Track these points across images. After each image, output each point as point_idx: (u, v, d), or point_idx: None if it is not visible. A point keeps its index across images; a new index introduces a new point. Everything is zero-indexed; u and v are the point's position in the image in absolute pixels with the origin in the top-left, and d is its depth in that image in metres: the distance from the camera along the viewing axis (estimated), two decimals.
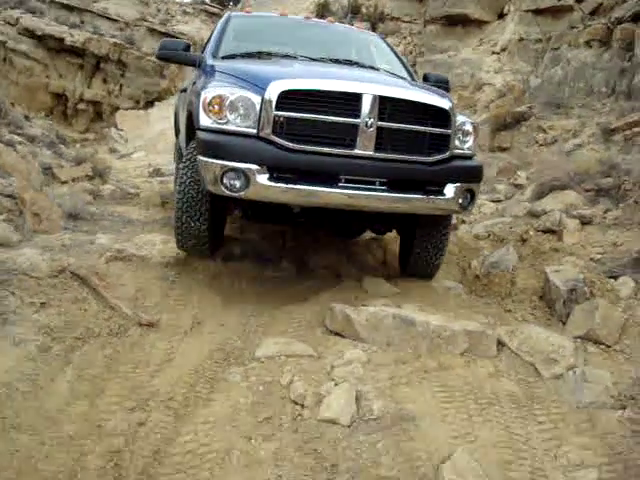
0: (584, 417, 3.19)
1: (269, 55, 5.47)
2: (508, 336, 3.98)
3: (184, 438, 3.21)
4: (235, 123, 4.20)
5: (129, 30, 19.47)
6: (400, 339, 4.05)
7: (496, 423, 3.19)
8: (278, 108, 4.10)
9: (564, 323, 4.22)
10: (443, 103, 4.48)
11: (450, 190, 4.45)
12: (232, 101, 4.18)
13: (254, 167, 4.08)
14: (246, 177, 4.09)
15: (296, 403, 3.47)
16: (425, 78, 5.89)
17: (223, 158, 4.13)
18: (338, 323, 4.28)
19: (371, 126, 4.15)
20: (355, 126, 4.17)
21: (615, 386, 3.40)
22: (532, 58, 12.00)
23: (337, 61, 5.56)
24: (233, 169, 4.10)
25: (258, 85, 4.22)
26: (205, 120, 4.27)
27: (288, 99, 4.11)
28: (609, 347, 3.89)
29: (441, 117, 4.43)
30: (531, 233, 6.00)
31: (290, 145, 4.11)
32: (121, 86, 17.96)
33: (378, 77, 5.12)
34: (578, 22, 10.48)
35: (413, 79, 5.84)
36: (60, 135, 11.47)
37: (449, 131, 4.46)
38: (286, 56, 5.46)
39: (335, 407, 3.32)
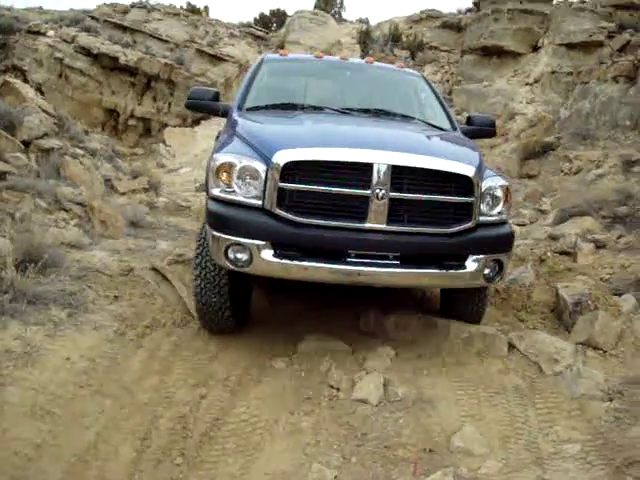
0: (576, 406, 3.77)
1: (294, 107, 5.21)
2: (518, 339, 4.57)
3: (239, 410, 3.86)
4: (241, 193, 3.99)
5: (178, 51, 20.49)
6: (424, 338, 4.66)
7: (501, 407, 3.79)
8: (283, 179, 3.86)
9: (569, 332, 4.78)
10: (465, 169, 4.06)
11: (472, 263, 4.10)
12: (239, 170, 3.99)
13: (258, 242, 3.89)
14: (250, 252, 3.90)
15: (332, 387, 4.09)
16: (469, 120, 5.56)
17: (227, 232, 3.96)
18: (370, 325, 4.91)
19: (383, 197, 3.85)
20: (365, 197, 3.87)
21: (606, 383, 3.97)
22: (563, 90, 12.56)
23: (367, 111, 5.30)
24: (237, 244, 3.93)
25: (264, 153, 4.00)
26: (214, 189, 4.10)
27: (294, 170, 3.88)
28: (605, 352, 4.45)
29: (463, 184, 4.05)
30: (549, 254, 6.55)
31: (295, 219, 3.88)
32: (170, 104, 18.92)
33: (398, 137, 4.64)
34: (607, 58, 11.06)
35: (453, 125, 5.43)
36: (115, 149, 12.33)
37: (472, 199, 4.07)
38: (312, 108, 5.21)
39: (366, 390, 3.94)
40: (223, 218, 4.02)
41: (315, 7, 34.44)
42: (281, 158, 3.86)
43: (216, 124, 19.95)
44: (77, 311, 4.68)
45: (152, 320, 4.87)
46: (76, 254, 5.88)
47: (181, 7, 26.48)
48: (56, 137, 8.91)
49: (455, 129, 5.36)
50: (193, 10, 27.96)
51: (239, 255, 3.95)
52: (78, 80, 19.24)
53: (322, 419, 3.76)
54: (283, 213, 3.89)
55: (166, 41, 20.71)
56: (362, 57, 17.16)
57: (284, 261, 3.90)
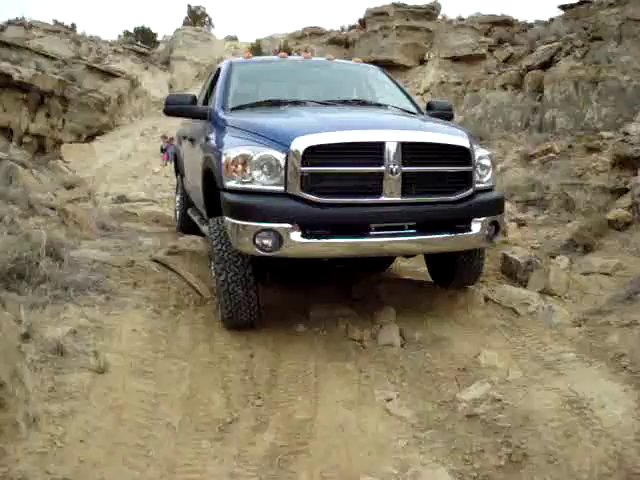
0: (555, 332, 4.81)
1: (278, 103, 5.47)
2: (490, 293, 5.58)
3: (286, 362, 4.49)
4: (260, 181, 4.22)
5: (67, 67, 20.28)
6: (414, 299, 5.56)
7: (500, 338, 4.76)
8: (304, 164, 4.13)
9: (525, 286, 5.86)
10: (463, 141, 4.59)
11: (476, 225, 4.58)
12: (256, 160, 4.20)
13: (287, 226, 4.10)
14: (279, 236, 4.10)
15: (355, 340, 4.84)
16: (429, 106, 6.00)
17: (254, 219, 4.14)
18: (364, 292, 5.74)
19: (396, 172, 4.22)
20: (380, 174, 4.23)
21: (571, 315, 5.07)
22: (452, 99, 14.04)
23: (346, 102, 5.72)
24: (265, 229, 4.11)
25: (280, 142, 4.25)
26: (229, 181, 4.30)
27: (313, 154, 4.15)
28: (560, 297, 5.58)
29: (462, 155, 4.55)
30: None
31: (319, 200, 4.15)
32: (64, 121, 18.73)
33: (395, 120, 5.19)
34: (494, 68, 12.64)
35: (420, 111, 5.88)
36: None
37: (470, 168, 4.56)
38: (295, 102, 5.50)
39: (388, 337, 4.75)
40: (248, 207, 4.22)
41: (184, 24, 34.90)
42: (300, 144, 4.14)
43: (112, 139, 20.04)
44: (111, 295, 5.12)
45: (176, 301, 5.39)
46: (71, 252, 6.23)
47: (61, 23, 25.93)
48: None
49: (422, 114, 5.82)
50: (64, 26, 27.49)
51: (266, 241, 4.13)
52: None
53: (360, 362, 4.52)
54: (307, 195, 4.15)
55: (53, 58, 20.43)
56: None
57: (312, 240, 4.15)
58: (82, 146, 18.45)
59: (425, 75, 15.64)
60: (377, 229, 4.29)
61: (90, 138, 19.26)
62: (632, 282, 5.26)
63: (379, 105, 5.86)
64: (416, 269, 6.53)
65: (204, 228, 5.77)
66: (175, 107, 5.67)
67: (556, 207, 8.16)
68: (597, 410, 3.46)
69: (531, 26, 14.34)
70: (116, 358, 4.04)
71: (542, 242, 7.19)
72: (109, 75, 20.18)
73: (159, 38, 33.53)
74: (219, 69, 6.42)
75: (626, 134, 7.64)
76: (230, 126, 4.96)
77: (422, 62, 15.78)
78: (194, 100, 5.71)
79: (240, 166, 4.23)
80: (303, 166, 4.14)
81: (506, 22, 17.34)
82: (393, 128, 4.55)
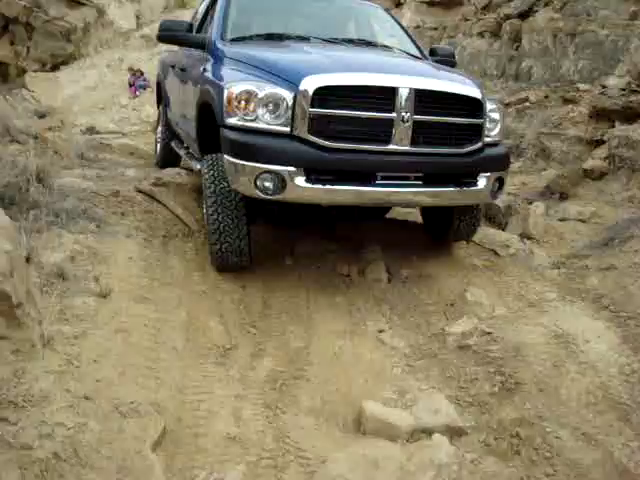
0: (536, 273, 5.03)
1: (280, 38, 5.28)
2: None
3: (277, 294, 4.58)
4: (265, 121, 4.00)
5: None
6: (396, 238, 5.68)
7: (484, 277, 4.94)
8: (314, 105, 3.93)
9: (504, 229, 6.06)
10: (476, 92, 4.38)
11: (483, 180, 4.45)
12: (261, 97, 3.98)
13: (291, 169, 3.93)
14: (282, 180, 3.94)
15: (344, 275, 4.97)
16: (432, 51, 5.81)
17: (257, 160, 3.96)
18: (348, 230, 5.85)
19: (407, 120, 4.03)
20: (390, 121, 4.04)
21: (550, 258, 5.30)
22: (427, 44, 13.96)
23: (352, 41, 5.50)
24: (268, 171, 3.95)
25: (288, 79, 4.04)
26: (230, 117, 4.09)
27: (323, 95, 3.94)
28: (538, 241, 5.80)
29: (475, 107, 4.36)
30: None
31: (326, 144, 3.96)
32: (28, 49, 18.03)
33: (407, 64, 5.00)
34: (471, 15, 12.60)
35: (423, 54, 5.71)
36: None
37: (481, 120, 4.39)
38: (299, 38, 5.28)
39: (376, 273, 4.89)
40: (252, 146, 4.00)
41: None
42: (310, 84, 3.92)
43: (78, 69, 19.42)
44: (101, 224, 5.11)
45: (164, 231, 5.41)
46: (57, 180, 6.16)
47: None
48: None
49: (426, 57, 5.65)
50: None
51: (268, 183, 3.96)
52: None
53: (350, 295, 4.66)
54: (314, 139, 3.94)
55: None
56: None
57: (317, 186, 3.98)
58: (47, 75, 17.83)
59: (401, 18, 15.52)
60: (383, 178, 4.13)
61: (55, 68, 18.59)
62: (608, 229, 5.50)
63: (384, 47, 5.64)
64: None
65: (195, 164, 5.59)
66: (169, 34, 5.38)
67: (531, 155, 8.34)
68: (582, 345, 3.69)
69: None
70: (116, 284, 4.09)
71: (519, 188, 7.39)
72: (76, 3, 19.33)
73: None
74: None
75: (604, 87, 7.80)
76: (231, 58, 4.76)
77: (398, 5, 15.62)
78: (190, 28, 5.44)
79: (243, 102, 4.00)
80: (313, 107, 3.92)
81: None
82: (407, 74, 4.32)
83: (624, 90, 7.48)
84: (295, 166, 3.93)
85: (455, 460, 2.83)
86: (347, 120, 4.02)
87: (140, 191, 6.15)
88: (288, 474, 2.76)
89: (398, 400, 3.38)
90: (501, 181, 4.65)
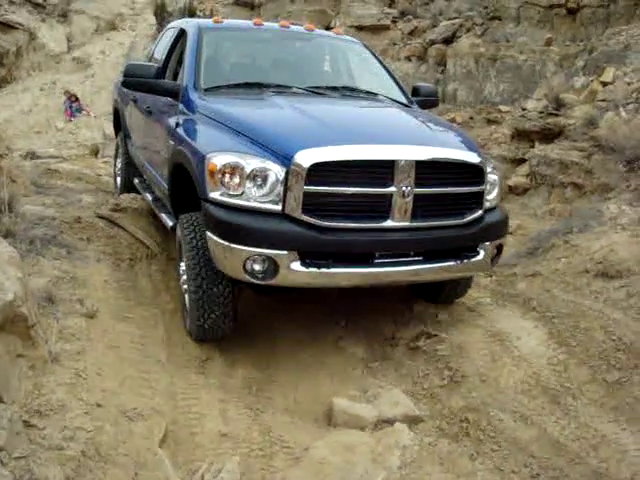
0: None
1: (260, 86, 4.85)
2: None
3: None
4: (253, 197, 3.62)
5: None
6: None
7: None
8: (309, 182, 3.56)
9: None
10: (476, 158, 4.08)
11: (483, 250, 4.19)
12: (249, 172, 3.61)
13: (284, 253, 3.59)
14: (275, 264, 3.59)
15: None
16: (415, 90, 5.42)
17: (247, 243, 3.58)
18: None
19: (408, 195, 3.71)
20: (390, 195, 3.71)
21: None
22: None
23: (335, 89, 5.13)
24: (259, 255, 3.58)
25: (278, 152, 3.67)
26: (214, 192, 3.69)
27: (319, 171, 3.58)
28: None
29: (476, 173, 4.07)
30: None
31: (321, 223, 3.61)
32: None
33: (404, 127, 4.54)
34: (399, 40, 13.40)
35: (409, 98, 5.31)
36: None
37: (483, 187, 4.10)
38: (279, 87, 4.86)
39: None
40: (239, 227, 3.63)
41: None
42: (305, 159, 3.57)
43: (11, 92, 19.23)
44: (71, 250, 5.42)
45: (129, 255, 5.76)
46: (20, 207, 6.39)
47: None
48: None
49: (412, 102, 5.29)
50: None
51: (259, 267, 3.62)
52: None
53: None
54: (309, 219, 3.60)
55: None
56: (159, 30, 17.61)
57: (312, 270, 3.64)
58: None
59: None
60: (382, 257, 3.83)
61: None
62: (532, 239, 6.20)
63: (368, 93, 5.29)
64: None
65: (166, 220, 5.09)
66: (136, 80, 4.85)
67: None
68: (515, 341, 4.31)
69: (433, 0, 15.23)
70: (98, 305, 4.45)
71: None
72: (7, 27, 19.18)
73: None
74: (182, 31, 5.61)
75: (524, 109, 8.61)
76: (208, 117, 4.36)
77: (327, 29, 16.23)
78: (158, 72, 4.88)
79: (228, 176, 3.64)
80: (307, 185, 3.57)
81: None
82: (406, 142, 3.99)
83: (542, 113, 8.29)
84: (289, 249, 3.60)
85: (416, 442, 3.36)
86: (343, 197, 3.69)
87: (101, 217, 6.46)
88: (277, 461, 3.23)
89: (361, 396, 3.91)
90: (500, 248, 4.42)
